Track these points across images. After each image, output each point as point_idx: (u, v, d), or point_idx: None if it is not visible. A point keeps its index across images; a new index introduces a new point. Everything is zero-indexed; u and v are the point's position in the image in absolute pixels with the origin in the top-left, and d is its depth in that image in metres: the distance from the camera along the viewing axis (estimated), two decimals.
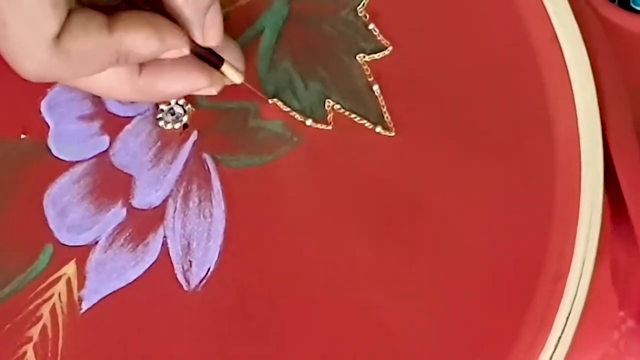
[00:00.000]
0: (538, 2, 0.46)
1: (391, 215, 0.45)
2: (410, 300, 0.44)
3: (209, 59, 0.43)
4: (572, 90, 0.45)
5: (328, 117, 0.46)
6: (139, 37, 0.39)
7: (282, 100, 0.46)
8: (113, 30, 0.39)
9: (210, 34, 0.41)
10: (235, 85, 0.45)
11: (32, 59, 0.38)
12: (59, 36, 0.38)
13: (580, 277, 0.44)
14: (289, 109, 0.46)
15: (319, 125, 0.46)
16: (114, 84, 0.41)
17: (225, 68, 0.43)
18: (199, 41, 0.41)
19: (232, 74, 0.44)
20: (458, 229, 0.45)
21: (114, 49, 0.39)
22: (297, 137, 0.46)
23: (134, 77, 0.41)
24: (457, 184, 0.45)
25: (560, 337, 0.43)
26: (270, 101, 0.46)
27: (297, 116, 0.46)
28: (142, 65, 0.42)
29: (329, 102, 0.46)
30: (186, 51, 0.41)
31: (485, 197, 0.45)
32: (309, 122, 0.46)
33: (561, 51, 0.46)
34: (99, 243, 0.45)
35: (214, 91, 0.44)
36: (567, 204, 0.45)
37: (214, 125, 0.47)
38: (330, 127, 0.46)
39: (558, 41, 0.46)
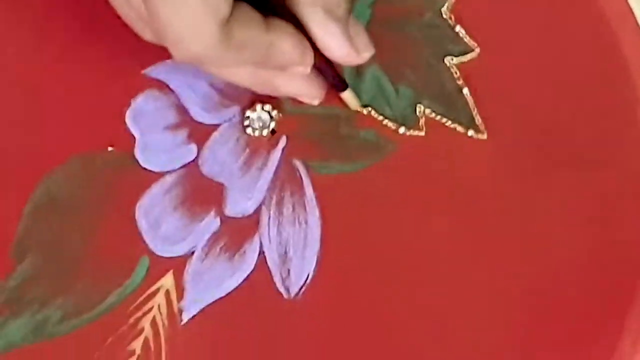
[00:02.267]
0: (626, 6, 0.49)
1: (487, 218, 0.48)
2: (511, 299, 0.47)
3: (334, 80, 0.46)
4: None
5: (420, 123, 0.49)
6: (289, 44, 0.42)
7: (375, 109, 0.48)
8: (269, 30, 0.41)
9: (361, 45, 0.44)
10: (327, 90, 0.48)
11: (201, 40, 0.39)
12: (227, 21, 0.40)
13: None
14: (382, 117, 0.48)
15: (411, 132, 0.48)
16: (237, 71, 0.44)
17: (346, 94, 0.47)
18: (349, 55, 0.44)
19: (353, 101, 0.47)
20: (555, 230, 0.48)
21: (265, 47, 0.41)
22: (390, 145, 0.48)
23: (255, 69, 0.44)
24: (552, 184, 0.48)
25: None
26: (364, 111, 0.48)
27: (390, 124, 0.48)
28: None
29: (420, 107, 0.49)
30: (307, 71, 0.44)
31: (580, 198, 0.48)
32: (402, 130, 0.49)
33: None
34: (195, 253, 0.47)
35: (317, 101, 0.47)
36: None
37: (303, 131, 0.49)
38: (423, 133, 0.48)
39: None
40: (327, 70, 0.46)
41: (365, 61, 0.45)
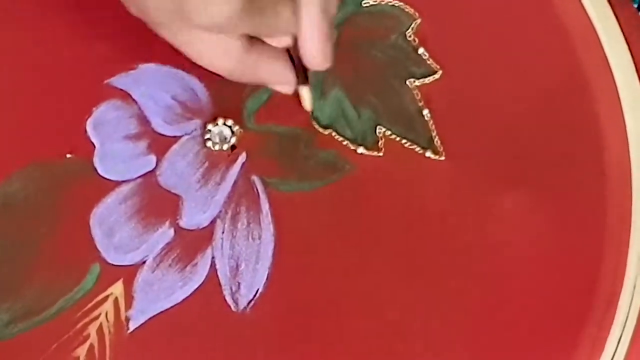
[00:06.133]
0: (590, 28, 0.51)
1: (442, 240, 0.49)
2: (461, 322, 0.48)
3: (300, 70, 0.49)
4: (623, 115, 0.50)
5: (379, 144, 0.50)
6: (289, 11, 0.45)
7: (336, 131, 0.50)
8: None
9: (330, 54, 0.47)
10: (287, 109, 0.50)
11: (227, 4, 0.42)
12: None
13: (632, 299, 0.48)
14: (342, 139, 0.50)
15: (370, 153, 0.50)
16: (222, 53, 0.46)
17: (305, 91, 0.49)
18: (323, 56, 0.46)
19: (308, 100, 0.49)
20: (509, 254, 0.49)
21: (280, 14, 0.45)
22: (349, 165, 0.50)
23: (244, 53, 0.46)
24: (507, 208, 0.49)
25: (612, 359, 0.47)
26: (325, 132, 0.50)
27: (350, 145, 0.50)
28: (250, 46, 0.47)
29: (380, 128, 0.51)
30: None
31: (536, 221, 0.49)
32: (360, 150, 0.50)
33: (612, 76, 0.50)
34: (147, 263, 0.48)
35: (290, 90, 0.49)
36: (618, 227, 0.49)
37: (263, 148, 0.50)
38: (381, 154, 0.50)
39: (609, 66, 0.50)
40: (299, 60, 0.48)
41: (322, 70, 0.47)
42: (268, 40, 0.47)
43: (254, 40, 0.47)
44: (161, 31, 0.46)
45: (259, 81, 0.49)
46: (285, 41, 0.47)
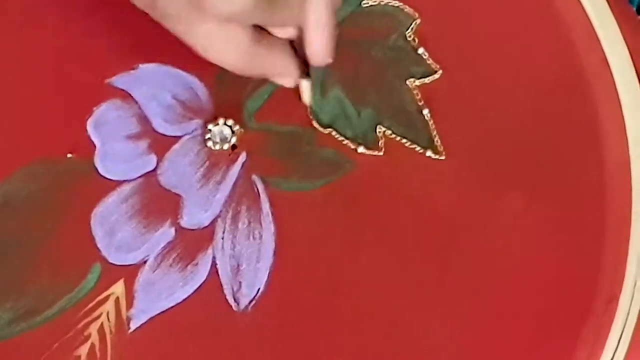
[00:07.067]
0: (589, 27, 0.51)
1: (442, 239, 0.49)
2: (461, 321, 0.48)
3: (301, 63, 0.49)
4: (622, 114, 0.50)
5: (379, 143, 0.51)
6: (296, 4, 0.46)
7: (336, 130, 0.50)
8: None
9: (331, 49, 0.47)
10: (288, 108, 0.50)
11: None
12: None
13: (632, 298, 0.48)
14: (342, 138, 0.50)
15: (370, 152, 0.50)
16: (231, 47, 0.46)
17: (306, 84, 0.49)
18: (324, 53, 0.47)
19: (307, 93, 0.50)
20: (509, 253, 0.49)
21: (289, 4, 0.45)
22: (349, 164, 0.50)
23: (252, 45, 0.46)
24: (507, 207, 0.50)
25: (612, 358, 0.48)
26: (325, 131, 0.50)
27: (350, 144, 0.50)
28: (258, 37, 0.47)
29: (380, 127, 0.51)
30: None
31: (536, 221, 0.49)
32: (360, 149, 0.50)
33: (612, 76, 0.51)
34: (148, 262, 0.49)
35: (292, 84, 0.50)
36: (618, 227, 0.49)
37: (263, 147, 0.51)
38: (381, 153, 0.50)
39: (609, 66, 0.51)
40: (302, 52, 0.48)
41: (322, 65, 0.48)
42: (274, 32, 0.47)
43: (262, 31, 0.47)
44: (167, 23, 0.46)
45: (264, 74, 0.49)
46: (291, 32, 0.48)
